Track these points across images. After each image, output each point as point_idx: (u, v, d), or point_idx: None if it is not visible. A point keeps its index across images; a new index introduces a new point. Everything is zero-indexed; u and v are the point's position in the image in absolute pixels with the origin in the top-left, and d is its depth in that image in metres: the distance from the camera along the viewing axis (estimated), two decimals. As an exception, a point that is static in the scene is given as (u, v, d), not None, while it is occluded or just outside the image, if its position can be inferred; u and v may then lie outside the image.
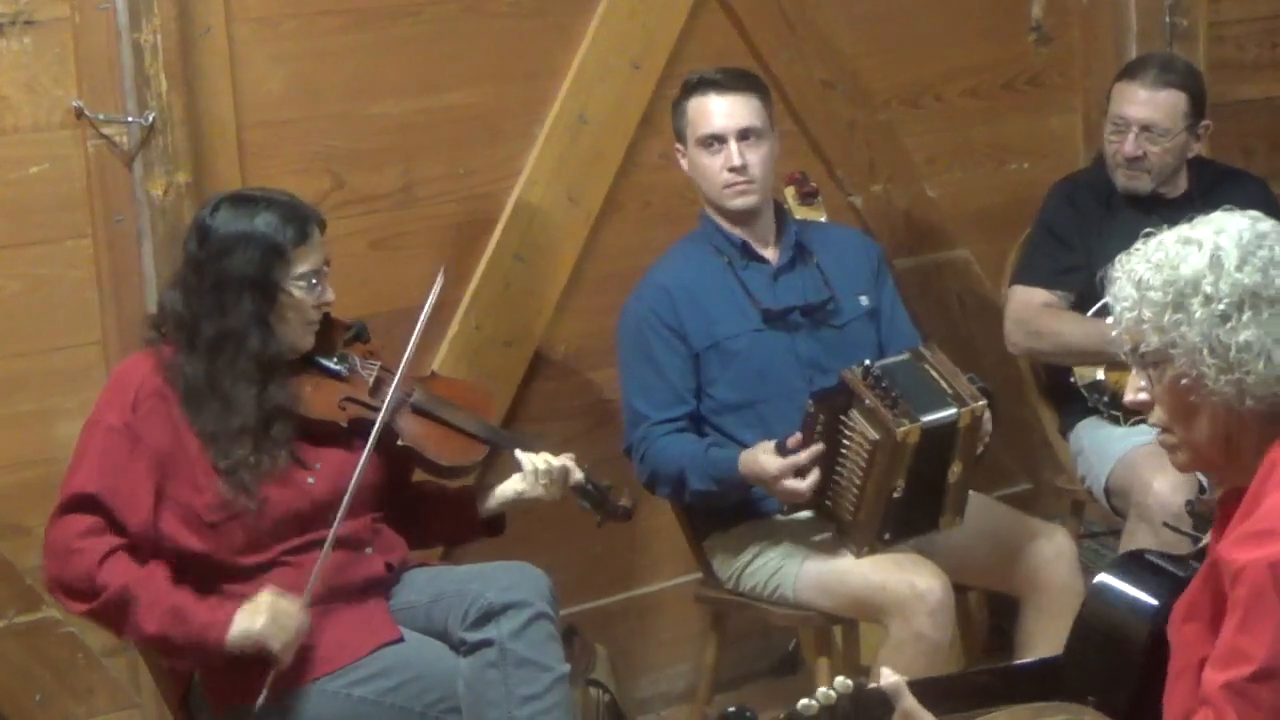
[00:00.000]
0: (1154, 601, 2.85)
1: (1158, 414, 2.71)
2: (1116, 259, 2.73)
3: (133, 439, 3.62)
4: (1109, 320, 4.59)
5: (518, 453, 3.92)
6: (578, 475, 3.94)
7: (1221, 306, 2.59)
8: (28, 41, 3.98)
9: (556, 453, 3.95)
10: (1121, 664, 2.86)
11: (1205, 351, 2.60)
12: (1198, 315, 2.60)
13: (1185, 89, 4.70)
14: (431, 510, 4.03)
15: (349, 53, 4.38)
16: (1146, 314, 2.65)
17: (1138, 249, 2.70)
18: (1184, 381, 2.63)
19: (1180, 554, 3.02)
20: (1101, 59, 5.40)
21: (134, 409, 3.64)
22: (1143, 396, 2.72)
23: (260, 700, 3.57)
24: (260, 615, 3.55)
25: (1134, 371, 2.73)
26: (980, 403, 3.99)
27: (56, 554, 3.59)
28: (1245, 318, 2.58)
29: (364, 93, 4.41)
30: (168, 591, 3.57)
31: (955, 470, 4.01)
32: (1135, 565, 2.96)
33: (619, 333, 4.32)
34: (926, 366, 4.04)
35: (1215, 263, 2.61)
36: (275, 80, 4.29)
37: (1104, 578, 2.95)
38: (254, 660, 3.58)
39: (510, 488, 3.94)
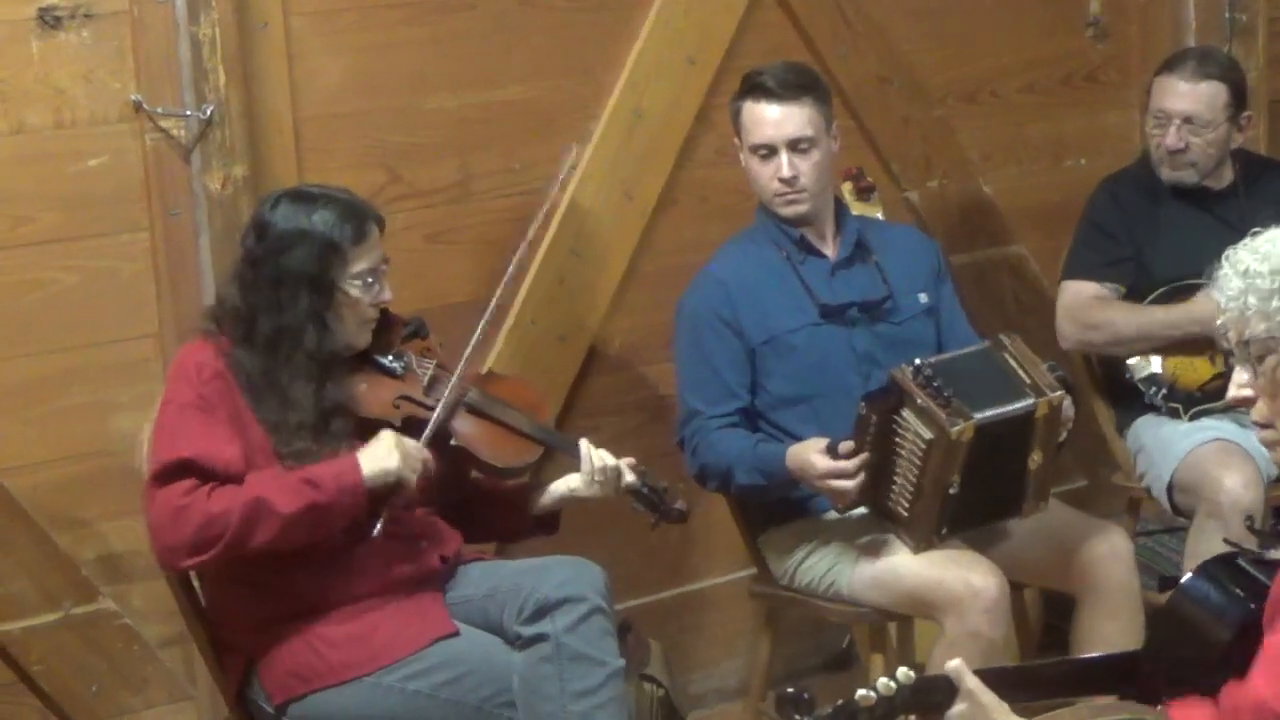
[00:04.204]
0: (1239, 608, 2.82)
1: (1260, 409, 2.65)
2: (1224, 253, 2.67)
3: (207, 407, 3.62)
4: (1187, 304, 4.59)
5: (582, 443, 3.91)
6: (630, 478, 3.94)
7: None
8: (86, 35, 3.99)
9: (612, 449, 3.95)
10: (1200, 667, 2.83)
11: None
12: None
13: (1225, 80, 4.70)
14: (484, 507, 4.03)
15: (405, 46, 4.39)
16: (1252, 301, 2.59)
17: (1245, 244, 2.65)
18: None
19: (1272, 559, 2.98)
20: (1159, 55, 5.33)
21: (201, 384, 3.64)
22: (1246, 393, 2.65)
23: (377, 530, 3.64)
24: (394, 453, 3.64)
25: (1237, 368, 2.67)
26: (1058, 392, 3.97)
27: (164, 523, 3.55)
28: None
29: (420, 87, 4.42)
30: (284, 472, 3.60)
31: (1036, 459, 4.00)
32: (1225, 569, 2.92)
33: (675, 327, 4.31)
34: (1006, 356, 4.02)
35: None
36: (332, 74, 4.30)
37: (1192, 579, 2.91)
38: (310, 652, 3.63)
39: (564, 485, 3.94)
